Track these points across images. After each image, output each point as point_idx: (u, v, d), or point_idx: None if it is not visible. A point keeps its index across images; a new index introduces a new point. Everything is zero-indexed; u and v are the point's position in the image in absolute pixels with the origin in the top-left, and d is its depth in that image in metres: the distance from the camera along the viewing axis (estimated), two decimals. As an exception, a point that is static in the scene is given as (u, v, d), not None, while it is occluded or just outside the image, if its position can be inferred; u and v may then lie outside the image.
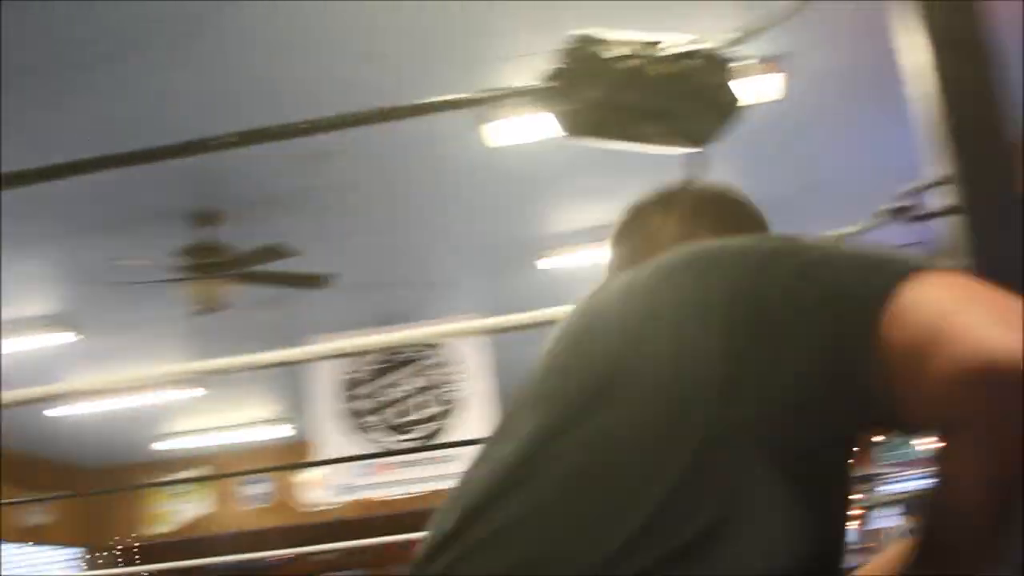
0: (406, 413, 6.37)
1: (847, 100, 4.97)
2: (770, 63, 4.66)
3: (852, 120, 5.08)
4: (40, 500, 9.60)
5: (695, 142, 1.56)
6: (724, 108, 1.58)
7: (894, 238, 0.99)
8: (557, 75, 1.31)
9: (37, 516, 10.15)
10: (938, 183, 1.27)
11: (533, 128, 4.75)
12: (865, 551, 10.30)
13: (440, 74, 4.39)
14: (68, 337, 7.00)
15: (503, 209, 6.03)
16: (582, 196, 5.88)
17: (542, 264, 6.71)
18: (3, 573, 9.69)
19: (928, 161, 1.34)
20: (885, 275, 0.75)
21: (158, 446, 10.73)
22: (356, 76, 4.36)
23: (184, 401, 9.19)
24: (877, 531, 9.43)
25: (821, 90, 4.96)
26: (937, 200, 1.32)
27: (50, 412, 8.45)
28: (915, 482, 8.51)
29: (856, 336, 0.74)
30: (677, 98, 1.45)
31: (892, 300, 0.73)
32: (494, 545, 0.77)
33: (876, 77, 3.92)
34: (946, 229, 1.30)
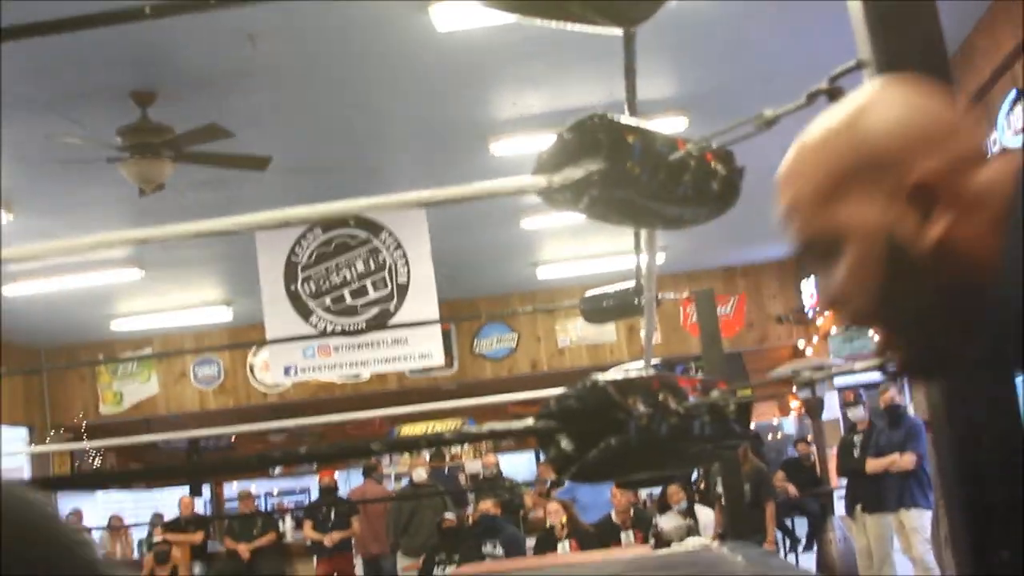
0: (352, 297, 6.36)
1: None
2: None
3: (791, 8, 5.00)
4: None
5: (626, 22, 1.53)
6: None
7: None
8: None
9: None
10: (860, 65, 1.26)
11: (481, 13, 4.64)
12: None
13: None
14: (2, 217, 6.85)
15: (451, 94, 5.91)
16: (530, 82, 5.79)
17: (495, 149, 6.62)
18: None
19: (858, 44, 1.33)
20: None
21: (116, 326, 10.65)
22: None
23: (131, 284, 9.09)
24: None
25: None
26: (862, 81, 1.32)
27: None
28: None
29: None
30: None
31: None
32: None
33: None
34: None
